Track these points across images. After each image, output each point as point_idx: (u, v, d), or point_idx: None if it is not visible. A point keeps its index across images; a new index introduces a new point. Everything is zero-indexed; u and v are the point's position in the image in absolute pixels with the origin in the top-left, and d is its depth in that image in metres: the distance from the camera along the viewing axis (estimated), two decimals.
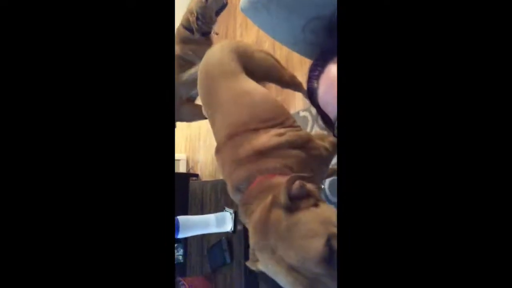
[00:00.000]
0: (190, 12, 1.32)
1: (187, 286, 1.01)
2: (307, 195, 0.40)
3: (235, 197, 0.52)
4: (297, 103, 1.31)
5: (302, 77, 1.20)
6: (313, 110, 1.21)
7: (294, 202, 0.39)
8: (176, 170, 2.21)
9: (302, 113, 1.27)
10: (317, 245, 0.35)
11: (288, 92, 1.35)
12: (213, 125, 0.60)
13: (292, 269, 0.36)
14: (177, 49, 1.39)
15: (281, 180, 0.41)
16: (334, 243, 0.36)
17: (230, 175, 0.51)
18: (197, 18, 1.30)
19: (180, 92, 1.47)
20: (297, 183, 0.40)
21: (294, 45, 0.68)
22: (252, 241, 0.42)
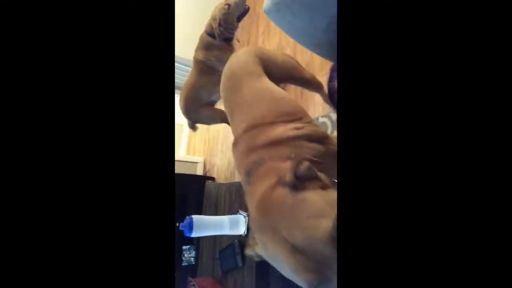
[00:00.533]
0: (213, 18, 1.36)
1: (197, 286, 1.01)
2: (315, 177, 0.38)
3: (246, 186, 0.52)
4: (316, 109, 1.30)
5: (323, 83, 1.19)
6: (333, 116, 1.19)
7: (301, 182, 0.37)
8: (193, 173, 2.24)
9: (321, 119, 1.25)
10: (327, 225, 0.33)
11: (307, 97, 1.35)
12: (232, 120, 0.61)
13: (295, 251, 0.34)
14: (200, 54, 1.43)
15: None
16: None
17: (243, 163, 0.51)
18: (220, 24, 1.34)
19: (200, 95, 1.50)
20: (305, 163, 0.38)
21: (316, 47, 0.68)
22: (252, 221, 0.40)
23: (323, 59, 0.73)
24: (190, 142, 2.88)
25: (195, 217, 0.93)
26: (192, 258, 1.39)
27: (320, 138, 0.53)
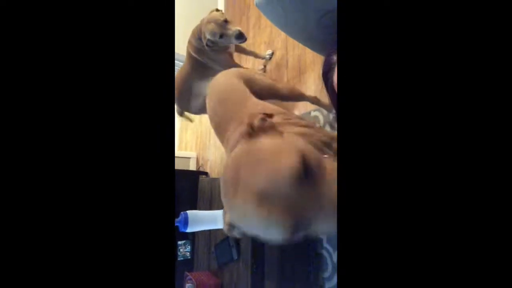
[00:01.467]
0: (203, 33, 1.24)
1: (194, 280, 1.02)
2: (271, 128, 0.36)
3: None
4: (308, 104, 1.31)
5: (314, 78, 1.20)
6: (324, 111, 1.20)
7: (258, 132, 0.35)
8: (186, 168, 2.23)
9: (313, 113, 1.26)
10: (289, 161, 0.30)
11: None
12: (220, 130, 0.64)
13: (262, 198, 0.30)
14: (192, 50, 1.39)
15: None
16: (309, 159, 0.31)
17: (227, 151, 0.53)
18: (208, 42, 1.24)
19: (193, 87, 1.49)
20: (259, 115, 0.36)
21: (307, 40, 0.68)
22: (221, 190, 0.37)
23: (315, 53, 0.74)
24: (182, 137, 2.85)
25: (190, 212, 0.93)
26: (188, 253, 1.39)
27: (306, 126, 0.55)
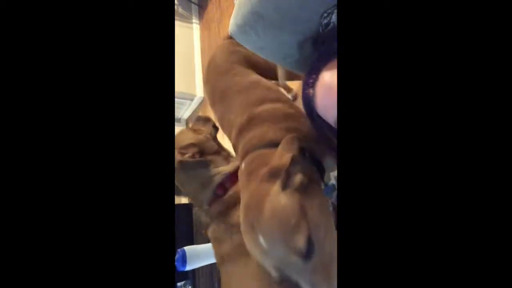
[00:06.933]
0: (181, 147, 0.80)
1: None
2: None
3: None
4: None
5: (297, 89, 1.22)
6: None
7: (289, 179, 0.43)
8: (178, 201, 2.16)
9: None
10: (299, 241, 0.39)
11: None
12: (226, 106, 0.72)
13: (265, 253, 0.42)
14: None
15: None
16: None
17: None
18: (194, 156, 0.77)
19: None
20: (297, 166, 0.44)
21: (284, 61, 0.70)
22: (241, 212, 0.47)
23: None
24: None
25: (187, 248, 0.89)
26: None
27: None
